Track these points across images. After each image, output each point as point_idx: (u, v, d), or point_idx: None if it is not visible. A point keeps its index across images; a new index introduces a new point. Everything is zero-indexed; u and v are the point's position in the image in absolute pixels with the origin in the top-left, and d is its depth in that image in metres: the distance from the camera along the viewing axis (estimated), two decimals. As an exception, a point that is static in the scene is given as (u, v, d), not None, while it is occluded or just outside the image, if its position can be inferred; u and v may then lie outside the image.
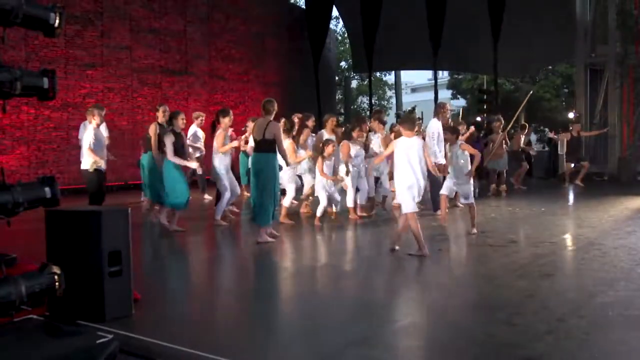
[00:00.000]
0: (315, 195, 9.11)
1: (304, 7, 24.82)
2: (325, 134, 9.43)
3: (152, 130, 8.67)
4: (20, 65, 4.03)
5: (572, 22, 18.25)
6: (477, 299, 4.75)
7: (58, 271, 3.38)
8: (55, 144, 13.93)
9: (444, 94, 36.29)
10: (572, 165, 14.71)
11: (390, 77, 38.99)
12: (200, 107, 16.83)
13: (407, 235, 6.59)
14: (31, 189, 3.49)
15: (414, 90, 56.33)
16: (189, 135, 11.36)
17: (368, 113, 29.09)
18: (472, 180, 7.80)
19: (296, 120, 9.84)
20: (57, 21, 3.50)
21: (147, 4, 16.36)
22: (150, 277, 5.61)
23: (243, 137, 10.11)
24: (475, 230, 7.65)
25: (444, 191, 7.89)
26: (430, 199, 9.61)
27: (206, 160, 10.17)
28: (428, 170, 6.60)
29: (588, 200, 11.67)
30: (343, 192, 9.35)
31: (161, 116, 8.74)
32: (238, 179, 9.63)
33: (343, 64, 37.02)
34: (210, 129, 9.28)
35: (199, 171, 8.48)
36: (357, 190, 9.23)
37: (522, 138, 14.46)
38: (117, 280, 4.13)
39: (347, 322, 4.24)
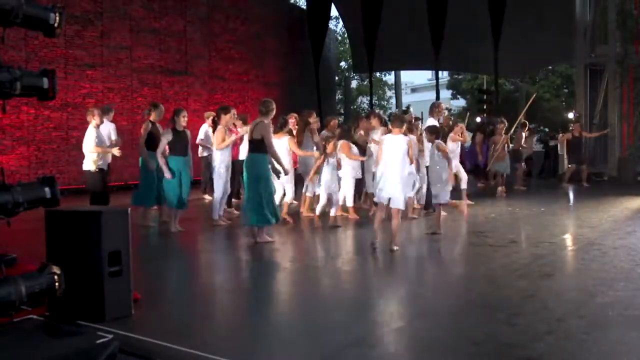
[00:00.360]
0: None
1: (304, 7, 24.84)
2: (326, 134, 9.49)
3: (143, 128, 8.64)
4: (20, 65, 4.03)
5: (572, 22, 18.24)
6: (477, 299, 4.75)
7: (58, 271, 3.38)
8: (55, 144, 13.93)
9: (444, 94, 36.28)
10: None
11: (390, 77, 39.00)
12: (200, 108, 16.84)
13: (405, 235, 6.59)
14: (31, 189, 3.49)
15: (413, 90, 56.36)
16: (200, 135, 11.39)
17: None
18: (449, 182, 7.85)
19: (292, 120, 9.81)
20: (57, 21, 3.50)
21: (147, 4, 16.35)
22: (150, 277, 5.61)
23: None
24: (440, 231, 7.62)
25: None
26: (425, 198, 9.68)
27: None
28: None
29: (588, 200, 11.67)
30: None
31: (154, 115, 8.65)
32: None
33: (343, 64, 37.02)
34: (212, 127, 9.27)
35: (168, 176, 8.26)
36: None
37: (523, 136, 14.46)
38: (117, 280, 4.13)
39: (347, 322, 4.24)
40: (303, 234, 8.27)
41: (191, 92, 17.58)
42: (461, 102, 40.75)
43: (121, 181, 14.26)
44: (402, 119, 7.22)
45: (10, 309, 3.14)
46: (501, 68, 20.68)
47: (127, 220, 4.27)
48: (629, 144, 16.61)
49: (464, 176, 10.80)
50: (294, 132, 9.45)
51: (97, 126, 8.49)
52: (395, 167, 6.56)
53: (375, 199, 6.95)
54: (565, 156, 15.40)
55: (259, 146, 7.03)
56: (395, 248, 6.58)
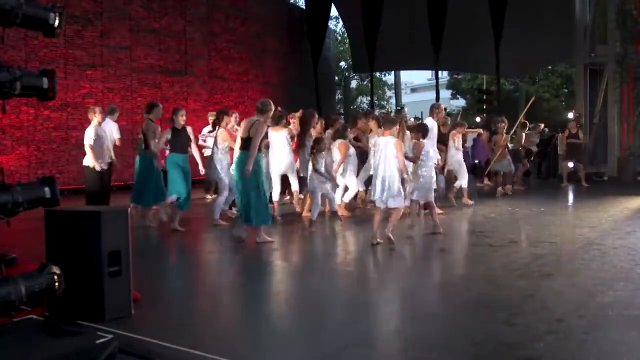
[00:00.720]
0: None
1: (304, 7, 24.85)
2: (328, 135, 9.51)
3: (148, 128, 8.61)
4: (20, 65, 4.03)
5: (572, 22, 18.25)
6: (477, 299, 4.75)
7: (58, 271, 3.38)
8: (55, 144, 13.93)
9: (444, 94, 36.33)
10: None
11: (390, 77, 39.04)
12: (200, 108, 16.85)
13: (405, 235, 6.59)
14: (31, 189, 3.49)
15: (413, 90, 56.38)
16: (203, 134, 11.39)
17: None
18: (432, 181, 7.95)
19: (293, 121, 9.82)
20: (57, 21, 3.50)
21: (147, 4, 16.36)
22: (150, 277, 5.61)
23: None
24: (440, 231, 7.64)
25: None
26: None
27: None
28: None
29: (588, 200, 11.67)
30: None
31: (153, 115, 8.62)
32: None
33: (343, 64, 37.05)
34: (212, 129, 9.27)
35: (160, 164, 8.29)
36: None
37: (524, 137, 14.46)
38: (117, 280, 4.13)
39: (347, 322, 4.24)
40: (303, 234, 8.26)
41: (191, 92, 17.59)
42: (461, 102, 40.77)
43: (121, 181, 14.26)
44: (393, 121, 7.25)
45: (10, 309, 3.14)
46: (501, 68, 20.69)
47: (127, 220, 4.27)
48: (629, 144, 16.61)
49: (464, 175, 10.81)
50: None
51: (99, 124, 8.49)
52: (389, 169, 6.66)
53: (375, 202, 6.96)
54: (564, 156, 15.39)
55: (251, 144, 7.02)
56: (391, 237, 6.66)
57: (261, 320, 4.34)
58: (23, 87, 3.37)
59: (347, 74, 35.22)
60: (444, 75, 37.27)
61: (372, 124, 9.83)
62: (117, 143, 9.75)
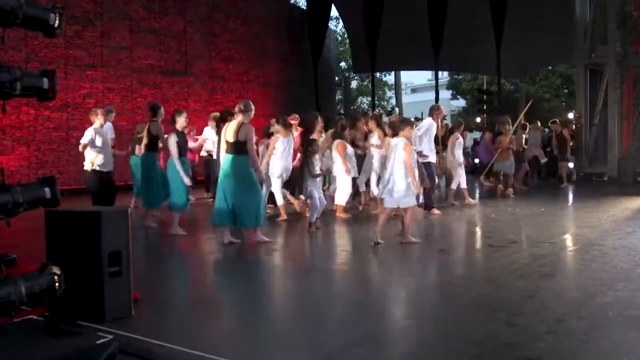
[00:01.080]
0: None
1: (304, 7, 24.85)
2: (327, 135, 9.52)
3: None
4: (20, 65, 4.03)
5: (572, 22, 18.25)
6: (477, 299, 4.75)
7: (58, 271, 3.38)
8: (55, 144, 13.94)
9: (444, 94, 36.34)
10: (572, 165, 14.73)
11: (390, 78, 39.05)
12: (200, 108, 16.86)
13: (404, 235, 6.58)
14: (31, 189, 3.49)
15: (414, 90, 56.38)
16: (203, 136, 11.39)
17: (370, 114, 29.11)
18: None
19: (294, 122, 9.84)
20: (57, 21, 3.50)
21: (147, 4, 16.36)
22: (151, 277, 5.61)
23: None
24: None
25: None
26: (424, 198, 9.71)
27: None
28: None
29: (588, 201, 11.67)
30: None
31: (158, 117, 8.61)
32: None
33: (343, 64, 37.05)
34: (217, 129, 9.26)
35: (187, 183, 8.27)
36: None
37: (523, 137, 14.47)
38: (117, 280, 4.12)
39: (347, 322, 4.24)
40: (303, 234, 8.25)
41: (191, 93, 17.59)
42: (461, 103, 40.79)
43: (121, 181, 14.26)
44: (405, 122, 7.29)
45: (10, 309, 3.14)
46: (501, 68, 20.69)
47: (127, 220, 4.27)
48: (629, 144, 16.60)
49: (462, 176, 10.79)
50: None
51: (101, 126, 8.47)
52: (399, 169, 6.74)
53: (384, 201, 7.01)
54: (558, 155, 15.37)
55: (244, 147, 6.95)
56: (414, 240, 6.87)
57: (261, 320, 4.34)
58: (23, 87, 3.37)
59: (347, 74, 35.23)
60: (444, 76, 37.28)
61: (372, 124, 9.85)
62: (111, 143, 9.79)
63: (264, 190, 9.44)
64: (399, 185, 6.72)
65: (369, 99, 34.96)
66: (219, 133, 8.48)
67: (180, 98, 17.04)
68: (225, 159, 7.03)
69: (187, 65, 17.56)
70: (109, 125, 10.20)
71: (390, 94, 40.58)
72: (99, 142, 8.50)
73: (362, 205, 10.27)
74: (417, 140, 9.08)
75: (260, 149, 9.48)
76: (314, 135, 8.83)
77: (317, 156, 8.31)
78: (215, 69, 18.55)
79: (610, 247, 6.67)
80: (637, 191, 12.48)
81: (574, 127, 17.01)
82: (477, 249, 7.08)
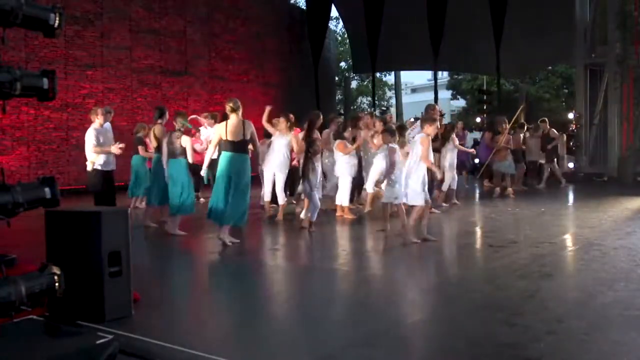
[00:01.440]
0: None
1: (304, 7, 24.84)
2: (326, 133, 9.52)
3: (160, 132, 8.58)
4: (20, 65, 4.02)
5: (572, 22, 18.25)
6: (477, 299, 4.75)
7: (58, 271, 3.38)
8: (55, 144, 13.93)
9: (444, 95, 36.31)
10: (571, 165, 14.70)
11: (390, 78, 39.02)
12: (200, 108, 16.84)
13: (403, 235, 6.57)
14: (31, 189, 3.49)
15: (414, 90, 56.33)
16: (204, 136, 11.39)
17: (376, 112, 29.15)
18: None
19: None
20: (57, 22, 3.50)
21: (147, 4, 16.35)
22: (151, 277, 5.61)
23: None
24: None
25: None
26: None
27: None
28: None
29: (588, 201, 11.67)
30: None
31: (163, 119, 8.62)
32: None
33: (343, 64, 37.03)
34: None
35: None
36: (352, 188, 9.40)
37: (521, 137, 14.43)
38: (117, 280, 4.13)
39: (347, 322, 4.25)
40: (299, 234, 8.25)
41: (191, 93, 17.58)
42: (461, 103, 40.76)
43: (121, 181, 14.26)
44: (426, 119, 7.43)
45: (10, 309, 3.14)
46: (501, 68, 20.68)
47: (127, 220, 4.27)
48: (629, 144, 16.60)
49: (448, 176, 10.66)
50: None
51: (101, 125, 8.47)
52: (414, 165, 6.93)
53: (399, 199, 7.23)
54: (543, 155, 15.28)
55: (246, 146, 6.98)
56: (414, 240, 6.95)
57: (261, 320, 4.34)
58: (23, 87, 3.37)
59: (347, 74, 35.21)
60: (444, 76, 37.25)
61: (378, 125, 9.89)
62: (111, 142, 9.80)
63: (264, 190, 9.51)
64: (413, 182, 6.84)
65: (369, 99, 34.95)
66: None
67: (180, 98, 17.04)
68: (230, 157, 6.95)
69: (187, 65, 17.55)
70: (108, 125, 10.18)
71: (390, 94, 40.55)
72: (100, 141, 8.51)
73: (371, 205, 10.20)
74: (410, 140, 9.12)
75: (261, 149, 9.49)
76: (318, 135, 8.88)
77: (318, 156, 8.31)
78: (215, 69, 18.54)
79: (610, 247, 6.67)
80: (637, 191, 12.48)
81: (573, 127, 17.00)
82: (477, 249, 7.08)
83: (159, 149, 8.43)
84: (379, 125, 9.92)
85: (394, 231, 7.47)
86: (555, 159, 14.83)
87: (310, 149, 8.13)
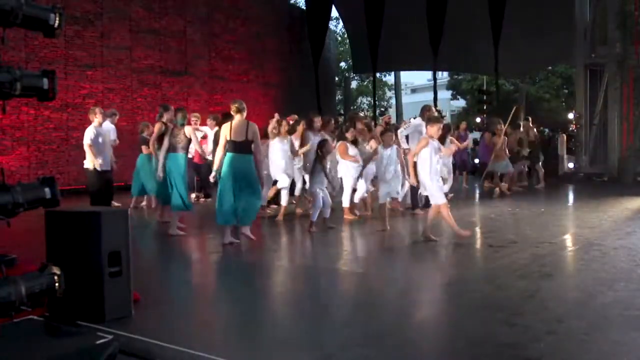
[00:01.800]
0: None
1: (304, 7, 24.84)
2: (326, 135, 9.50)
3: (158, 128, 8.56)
4: (20, 65, 4.01)
5: (572, 22, 18.25)
6: (477, 299, 4.75)
7: (58, 271, 3.38)
8: (55, 144, 13.94)
9: (444, 95, 36.35)
10: (572, 165, 14.70)
11: (390, 78, 39.03)
12: (200, 108, 16.84)
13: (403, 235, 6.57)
14: (31, 189, 3.49)
15: (413, 90, 56.35)
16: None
17: (370, 113, 29.15)
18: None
19: (293, 123, 9.85)
20: (57, 22, 3.50)
21: (147, 4, 16.36)
22: (150, 277, 5.61)
23: None
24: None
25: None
26: (410, 198, 9.78)
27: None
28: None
29: (588, 201, 11.67)
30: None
31: (166, 116, 8.58)
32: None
33: (343, 64, 37.04)
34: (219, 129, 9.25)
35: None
36: (353, 190, 9.30)
37: (518, 137, 14.41)
38: (117, 280, 4.13)
39: (347, 322, 4.24)
40: (300, 234, 8.26)
41: (191, 93, 17.59)
42: (461, 103, 40.79)
43: (121, 181, 14.27)
44: (434, 118, 7.62)
45: (10, 309, 3.14)
46: (501, 68, 20.72)
47: (127, 220, 4.27)
48: (629, 144, 16.60)
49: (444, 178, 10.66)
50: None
51: (99, 125, 8.48)
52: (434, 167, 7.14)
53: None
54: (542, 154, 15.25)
55: (249, 146, 6.99)
56: (434, 238, 7.14)
57: (261, 320, 4.34)
58: (23, 87, 3.37)
59: (347, 74, 35.23)
60: (444, 76, 37.28)
61: (379, 127, 9.90)
62: (113, 144, 9.91)
63: (264, 191, 9.48)
64: (435, 181, 7.07)
65: (369, 99, 34.98)
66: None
67: (180, 98, 17.03)
68: (233, 158, 6.95)
69: (187, 65, 17.55)
70: (112, 127, 10.22)
71: (390, 94, 40.57)
72: (98, 140, 8.53)
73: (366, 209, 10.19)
74: (404, 140, 9.15)
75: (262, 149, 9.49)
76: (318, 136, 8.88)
77: (328, 157, 8.36)
78: (215, 69, 18.55)
79: (610, 247, 6.67)
80: (637, 191, 12.48)
81: (573, 127, 17.00)
82: (477, 249, 7.08)
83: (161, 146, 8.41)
84: (378, 129, 9.94)
85: (394, 231, 7.48)
86: (540, 161, 14.72)
87: (321, 150, 8.17)
